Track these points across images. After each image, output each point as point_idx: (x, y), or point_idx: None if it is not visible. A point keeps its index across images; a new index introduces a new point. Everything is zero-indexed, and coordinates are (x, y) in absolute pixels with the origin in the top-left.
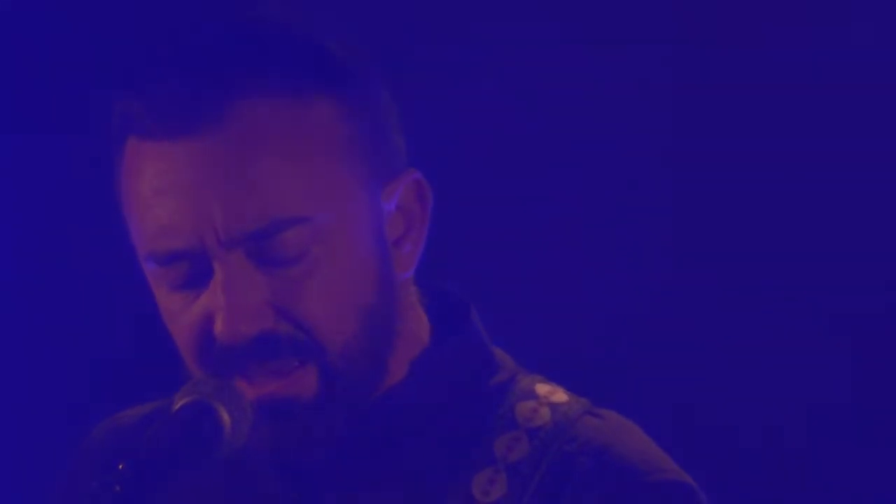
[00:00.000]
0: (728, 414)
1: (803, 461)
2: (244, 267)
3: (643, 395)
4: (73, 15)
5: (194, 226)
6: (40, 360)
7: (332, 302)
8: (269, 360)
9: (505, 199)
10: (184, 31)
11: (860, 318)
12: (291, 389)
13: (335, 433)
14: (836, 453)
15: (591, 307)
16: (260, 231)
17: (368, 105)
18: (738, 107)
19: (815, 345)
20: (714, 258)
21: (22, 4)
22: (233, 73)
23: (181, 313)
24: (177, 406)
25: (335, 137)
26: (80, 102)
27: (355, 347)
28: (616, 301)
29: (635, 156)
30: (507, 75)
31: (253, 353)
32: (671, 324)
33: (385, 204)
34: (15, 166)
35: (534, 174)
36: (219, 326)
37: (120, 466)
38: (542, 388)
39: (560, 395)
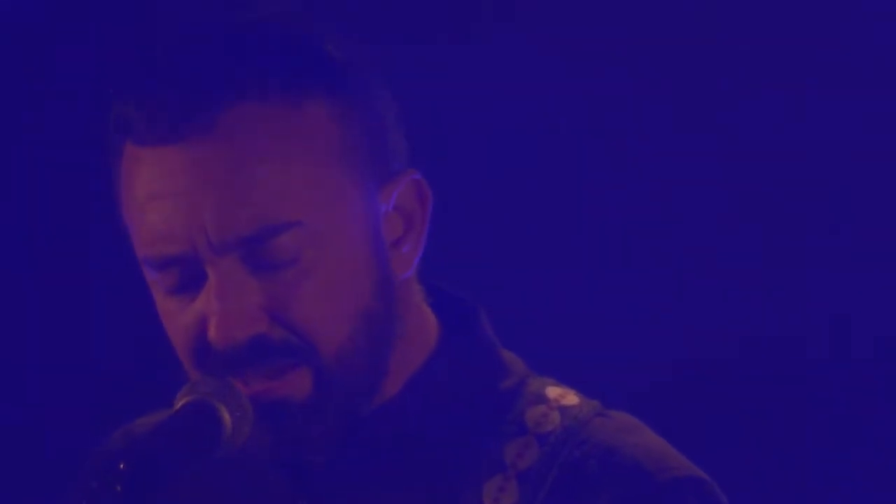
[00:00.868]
0: (738, 416)
1: (811, 462)
2: (237, 272)
3: (654, 397)
4: (72, 18)
5: (187, 232)
6: (40, 359)
7: (326, 305)
8: (263, 362)
9: (515, 199)
10: (177, 37)
11: (867, 325)
12: (284, 390)
13: (333, 435)
14: (842, 458)
15: (600, 308)
16: (252, 236)
17: (364, 106)
18: (739, 107)
19: (821, 346)
20: (723, 258)
21: (22, 7)
22: (225, 79)
23: (177, 317)
24: (177, 406)
25: (328, 139)
26: (80, 105)
27: (351, 349)
28: (624, 301)
29: (637, 156)
30: (512, 75)
31: (247, 356)
32: (681, 324)
33: (382, 205)
34: (15, 167)
35: (543, 175)
36: (212, 331)
37: (120, 466)
38: (553, 392)
39: (571, 398)
